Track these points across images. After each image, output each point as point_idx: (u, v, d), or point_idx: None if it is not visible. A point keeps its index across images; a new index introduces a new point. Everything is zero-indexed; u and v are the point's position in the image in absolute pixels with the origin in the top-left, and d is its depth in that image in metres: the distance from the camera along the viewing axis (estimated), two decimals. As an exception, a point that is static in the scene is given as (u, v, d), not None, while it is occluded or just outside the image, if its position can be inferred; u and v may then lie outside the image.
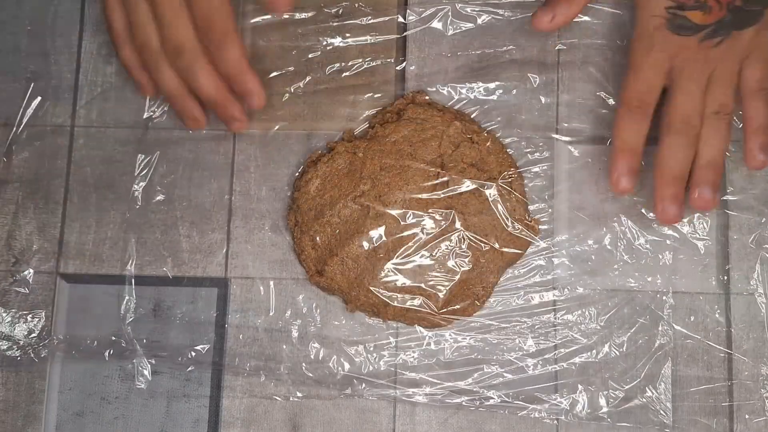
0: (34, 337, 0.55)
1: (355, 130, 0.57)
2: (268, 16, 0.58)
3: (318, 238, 0.55)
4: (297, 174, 0.57)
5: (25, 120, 0.58)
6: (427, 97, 0.57)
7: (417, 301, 0.54)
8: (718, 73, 0.51)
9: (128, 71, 0.54)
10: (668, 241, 0.55)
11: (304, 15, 0.58)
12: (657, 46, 0.50)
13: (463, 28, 0.58)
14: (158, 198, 0.57)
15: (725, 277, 0.55)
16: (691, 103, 0.51)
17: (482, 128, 0.57)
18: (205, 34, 0.50)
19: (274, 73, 0.57)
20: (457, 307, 0.54)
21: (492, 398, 0.54)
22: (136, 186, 0.57)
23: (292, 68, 0.58)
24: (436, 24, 0.58)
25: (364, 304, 0.55)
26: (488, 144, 0.56)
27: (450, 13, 0.58)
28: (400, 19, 0.58)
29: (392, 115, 0.57)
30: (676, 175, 0.51)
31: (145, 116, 0.57)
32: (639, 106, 0.51)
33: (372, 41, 0.58)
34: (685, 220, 0.55)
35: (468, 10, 0.58)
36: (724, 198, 0.56)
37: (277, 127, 0.57)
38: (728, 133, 0.51)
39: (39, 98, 0.58)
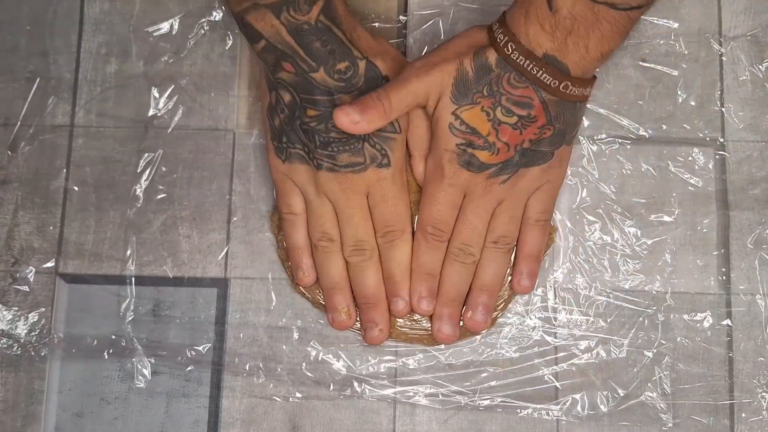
0: (35, 334, 0.55)
1: None
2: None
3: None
4: None
5: (24, 120, 0.57)
6: None
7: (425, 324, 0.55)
8: (503, 206, 0.53)
9: (294, 254, 0.54)
10: (668, 241, 0.55)
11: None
12: (447, 179, 0.52)
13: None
14: (158, 198, 0.57)
15: (725, 277, 0.55)
16: (471, 234, 0.53)
17: None
18: (383, 234, 0.53)
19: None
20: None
21: (492, 399, 0.54)
22: (136, 186, 0.57)
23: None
24: (437, 26, 0.58)
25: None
26: None
27: (450, 16, 0.58)
28: (402, 18, 0.58)
29: None
30: (452, 298, 0.53)
31: (150, 114, 0.57)
32: (433, 233, 0.53)
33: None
34: (686, 220, 0.56)
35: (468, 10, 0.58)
36: (725, 198, 0.56)
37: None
38: (505, 261, 0.54)
39: (38, 98, 0.58)
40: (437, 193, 0.52)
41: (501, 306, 0.54)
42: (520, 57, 0.49)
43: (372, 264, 0.53)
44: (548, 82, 0.49)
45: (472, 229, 0.52)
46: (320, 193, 0.52)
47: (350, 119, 0.49)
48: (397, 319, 0.54)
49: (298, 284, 0.55)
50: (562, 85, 0.49)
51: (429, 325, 0.54)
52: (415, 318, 0.54)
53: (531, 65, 0.48)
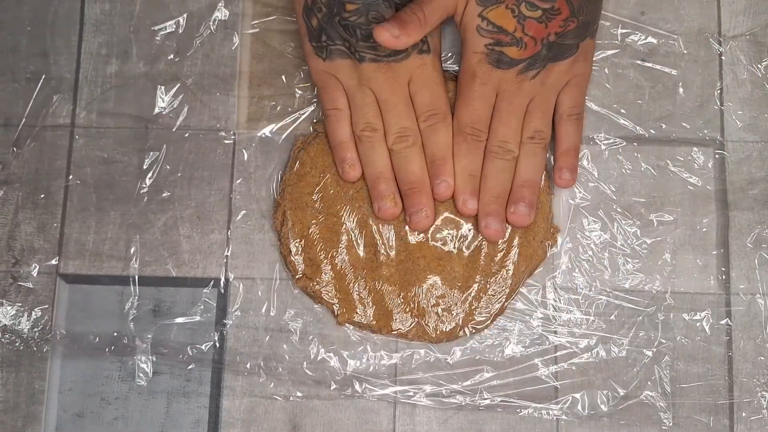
0: (37, 330, 0.55)
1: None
2: (269, 19, 0.58)
3: (311, 230, 0.55)
4: (284, 169, 0.57)
5: (25, 120, 0.58)
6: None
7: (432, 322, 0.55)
8: (535, 102, 0.54)
9: (340, 148, 0.55)
10: (668, 241, 0.55)
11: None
12: (479, 79, 0.53)
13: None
14: (159, 198, 0.57)
15: (724, 277, 0.55)
16: (507, 130, 0.54)
17: None
18: (426, 118, 0.54)
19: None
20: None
21: (492, 398, 0.54)
22: (136, 186, 0.57)
23: (293, 68, 0.58)
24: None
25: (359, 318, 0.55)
26: None
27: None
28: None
29: None
30: (497, 194, 0.54)
31: (155, 112, 0.57)
32: (472, 133, 0.54)
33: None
34: (686, 220, 0.56)
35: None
36: (724, 198, 0.56)
37: (276, 126, 0.57)
38: (543, 156, 0.55)
39: (39, 98, 0.58)
40: (471, 93, 0.54)
41: (504, 300, 0.55)
42: None
43: (416, 150, 0.54)
44: None
45: (508, 126, 0.54)
46: (363, 85, 0.54)
47: (391, 34, 0.50)
48: (396, 317, 0.54)
49: (347, 177, 0.55)
50: None
51: (429, 323, 0.54)
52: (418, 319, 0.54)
53: None
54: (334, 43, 0.53)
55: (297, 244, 0.55)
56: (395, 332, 0.54)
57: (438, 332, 0.54)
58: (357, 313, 0.54)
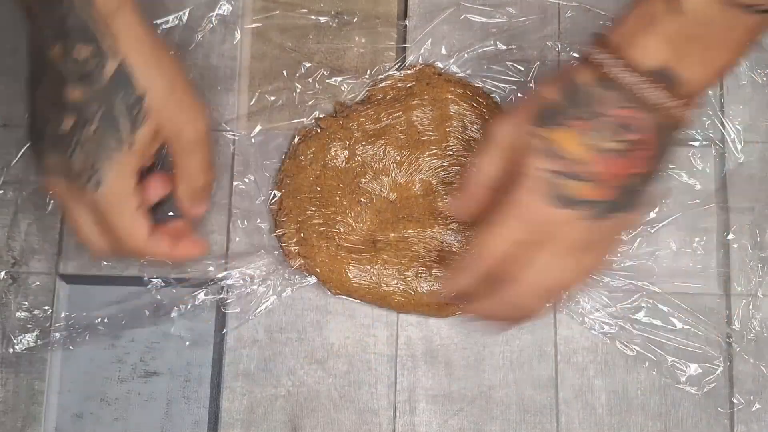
0: (36, 334, 0.55)
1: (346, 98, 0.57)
2: (270, 14, 0.58)
3: (308, 215, 0.55)
4: (283, 157, 0.57)
5: (24, 121, 0.58)
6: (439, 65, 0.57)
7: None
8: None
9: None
10: (668, 241, 0.55)
11: (303, 17, 0.58)
12: (522, 211, 0.43)
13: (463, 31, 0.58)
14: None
15: (725, 278, 0.55)
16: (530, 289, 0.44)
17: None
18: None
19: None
20: None
21: (492, 398, 0.54)
22: (136, 187, 0.57)
23: (291, 68, 0.58)
24: (438, 27, 0.58)
25: (358, 287, 0.54)
26: None
27: (452, 17, 0.58)
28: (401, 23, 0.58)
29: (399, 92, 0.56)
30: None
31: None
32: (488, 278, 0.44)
33: (371, 46, 0.58)
34: (686, 220, 0.56)
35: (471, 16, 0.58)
36: (724, 198, 0.56)
37: (277, 123, 0.57)
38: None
39: (39, 99, 0.58)
40: (502, 226, 0.43)
41: None
42: (625, 71, 0.40)
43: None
44: (661, 101, 0.40)
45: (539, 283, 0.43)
46: None
47: (454, 207, 0.47)
48: (395, 287, 0.54)
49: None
50: (680, 104, 0.41)
51: (427, 290, 0.54)
52: (414, 287, 0.54)
53: (639, 81, 0.40)
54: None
55: (292, 228, 0.55)
56: (393, 306, 0.54)
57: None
58: (352, 280, 0.54)
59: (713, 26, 0.40)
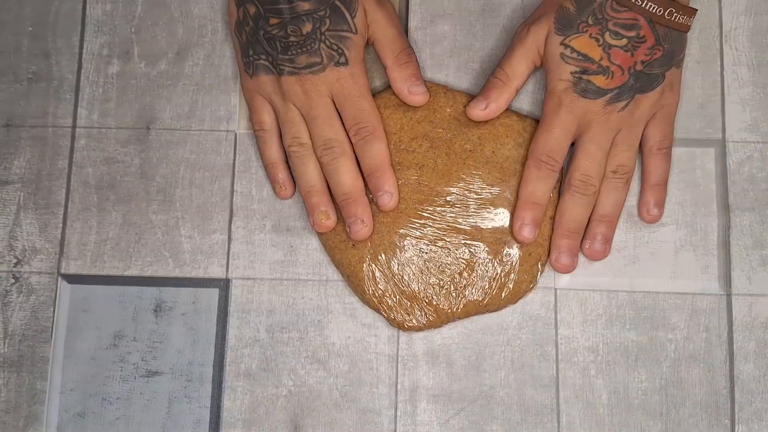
0: (37, 335, 0.55)
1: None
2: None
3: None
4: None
5: (26, 121, 0.58)
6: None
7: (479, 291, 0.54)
8: (621, 135, 0.53)
9: (270, 169, 0.56)
10: (668, 241, 0.55)
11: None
12: (564, 107, 0.53)
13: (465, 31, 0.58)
14: (160, 198, 0.57)
15: (726, 278, 0.55)
16: (591, 164, 0.53)
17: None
18: (355, 132, 0.54)
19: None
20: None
21: (492, 398, 0.54)
22: (138, 186, 0.57)
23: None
24: (439, 28, 0.58)
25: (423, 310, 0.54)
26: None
27: (452, 16, 0.58)
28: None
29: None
30: (572, 229, 0.54)
31: (157, 112, 0.58)
32: (546, 161, 0.53)
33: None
34: (686, 220, 0.56)
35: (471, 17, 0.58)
36: (725, 198, 0.56)
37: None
38: (624, 191, 0.54)
39: (40, 99, 0.58)
40: (554, 120, 0.53)
41: (529, 286, 0.55)
42: None
43: (344, 161, 0.54)
44: (653, 10, 0.51)
45: (592, 159, 0.53)
46: (286, 100, 0.54)
47: (479, 108, 0.54)
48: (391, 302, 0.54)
49: (280, 196, 0.56)
50: (667, 11, 0.51)
51: (427, 313, 0.54)
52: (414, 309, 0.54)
53: None
54: (259, 58, 0.53)
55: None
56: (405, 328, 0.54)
57: (455, 307, 0.54)
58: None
59: None
